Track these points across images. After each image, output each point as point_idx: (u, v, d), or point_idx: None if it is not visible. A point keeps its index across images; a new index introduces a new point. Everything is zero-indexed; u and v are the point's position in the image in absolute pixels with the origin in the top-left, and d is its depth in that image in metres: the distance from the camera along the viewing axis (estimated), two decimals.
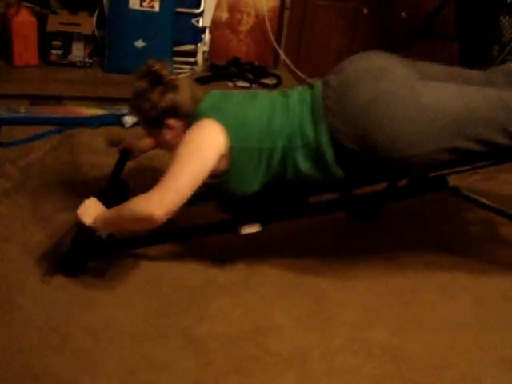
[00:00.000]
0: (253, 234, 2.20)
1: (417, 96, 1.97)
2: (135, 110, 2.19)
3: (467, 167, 2.31)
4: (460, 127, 1.95)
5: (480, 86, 2.05)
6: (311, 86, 2.15)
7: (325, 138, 2.01)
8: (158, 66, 2.11)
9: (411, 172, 2.18)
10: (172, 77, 2.14)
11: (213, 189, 2.13)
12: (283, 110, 2.08)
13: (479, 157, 2.07)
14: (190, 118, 2.10)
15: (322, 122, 2.02)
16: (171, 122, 2.12)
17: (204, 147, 2.00)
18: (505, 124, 1.95)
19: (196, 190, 1.98)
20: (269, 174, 2.08)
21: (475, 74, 2.16)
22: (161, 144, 2.25)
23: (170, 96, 2.10)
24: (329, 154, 2.02)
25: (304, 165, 2.05)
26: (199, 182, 1.98)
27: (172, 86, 2.11)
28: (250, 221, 2.20)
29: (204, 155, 2.00)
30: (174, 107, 2.10)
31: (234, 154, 2.03)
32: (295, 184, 2.11)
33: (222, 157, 2.03)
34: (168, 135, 2.15)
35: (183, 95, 2.11)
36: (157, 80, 2.11)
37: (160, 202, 1.90)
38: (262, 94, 2.21)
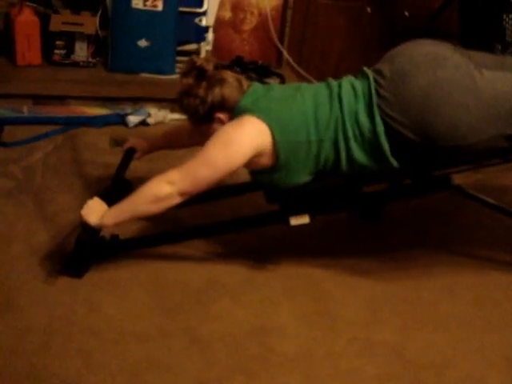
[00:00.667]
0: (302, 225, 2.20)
1: (475, 83, 1.97)
2: (183, 108, 2.17)
3: (470, 166, 2.30)
4: None
5: None
6: (363, 76, 2.12)
7: (380, 128, 2.00)
8: (201, 61, 2.11)
9: (468, 159, 2.16)
10: (217, 70, 2.13)
11: (259, 181, 2.15)
12: (330, 100, 2.06)
13: None
14: (232, 112, 2.09)
15: (376, 112, 2.01)
16: (220, 115, 2.11)
17: (237, 144, 2.00)
18: None
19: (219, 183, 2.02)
20: (319, 165, 2.07)
21: None
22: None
23: (217, 90, 2.09)
24: (384, 143, 2.01)
25: (359, 154, 2.04)
26: (221, 176, 2.00)
27: (218, 80, 2.10)
28: (298, 212, 2.18)
29: (234, 151, 1.99)
30: (222, 100, 2.09)
31: (280, 149, 2.02)
32: (348, 174, 2.10)
33: (265, 154, 2.03)
34: (218, 129, 2.11)
35: (230, 88, 2.10)
36: (202, 75, 2.10)
37: (177, 183, 1.95)
38: (305, 86, 2.18)
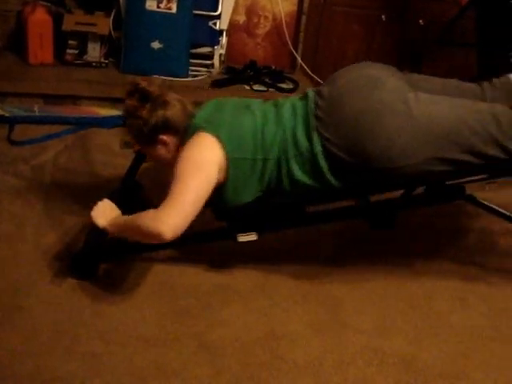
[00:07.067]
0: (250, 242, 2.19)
1: (408, 107, 1.97)
2: (128, 128, 2.18)
3: (483, 176, 2.27)
4: (452, 138, 1.96)
5: (474, 99, 2.09)
6: (305, 96, 2.14)
7: (318, 149, 2.01)
8: (144, 83, 2.11)
9: (406, 181, 2.16)
10: (160, 93, 2.13)
11: (209, 198, 2.11)
12: (275, 120, 2.08)
13: (478, 168, 2.06)
14: (185, 133, 2.09)
15: (314, 132, 2.02)
16: (164, 137, 2.12)
17: (205, 162, 2.00)
18: (495, 136, 1.95)
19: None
20: (263, 185, 2.08)
21: (471, 86, 2.20)
22: (155, 160, 2.25)
23: (160, 112, 2.09)
24: (323, 163, 2.02)
25: (299, 174, 2.05)
26: (205, 198, 1.98)
27: (161, 102, 2.11)
28: (246, 229, 2.18)
29: (206, 170, 1.99)
30: (165, 123, 2.10)
31: (229, 165, 2.02)
32: (293, 193, 2.11)
33: (220, 170, 2.03)
34: (162, 151, 2.15)
35: (174, 110, 2.11)
36: (145, 97, 2.10)
37: (168, 222, 1.87)
38: (256, 103, 2.20)
